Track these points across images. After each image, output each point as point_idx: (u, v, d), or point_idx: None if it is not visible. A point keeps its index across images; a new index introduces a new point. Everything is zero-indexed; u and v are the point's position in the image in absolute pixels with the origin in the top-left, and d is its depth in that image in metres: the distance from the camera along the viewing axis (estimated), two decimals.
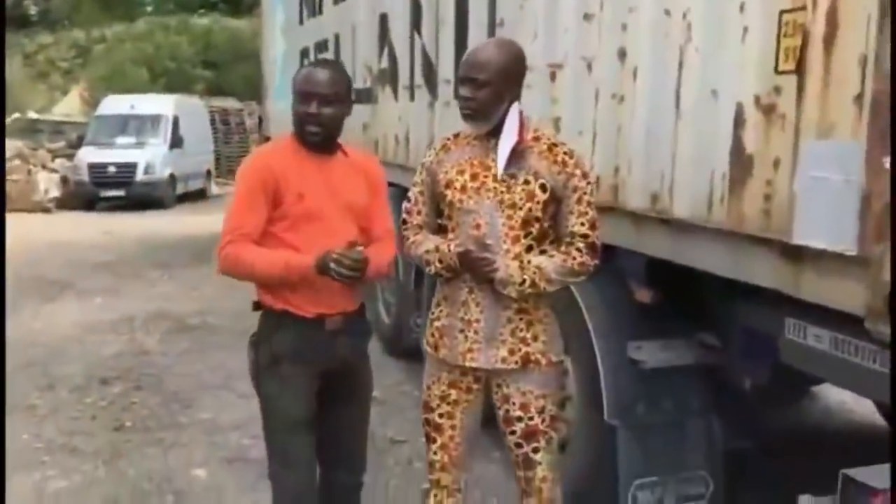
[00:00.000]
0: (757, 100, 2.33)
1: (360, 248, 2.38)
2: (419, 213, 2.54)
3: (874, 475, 1.97)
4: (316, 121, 2.44)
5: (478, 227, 2.37)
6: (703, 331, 3.04)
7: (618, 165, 3.04)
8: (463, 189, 2.40)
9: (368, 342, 2.72)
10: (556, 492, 2.55)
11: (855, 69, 2.00)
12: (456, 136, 2.53)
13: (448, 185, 2.42)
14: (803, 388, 4.54)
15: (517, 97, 2.41)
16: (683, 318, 3.06)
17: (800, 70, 2.17)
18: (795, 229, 2.18)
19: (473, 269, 2.35)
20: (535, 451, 2.46)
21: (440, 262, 2.40)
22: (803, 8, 2.15)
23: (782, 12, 2.22)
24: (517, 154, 2.37)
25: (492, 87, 2.33)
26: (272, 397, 2.55)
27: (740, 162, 2.41)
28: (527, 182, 2.35)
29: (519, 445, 2.47)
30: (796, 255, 2.20)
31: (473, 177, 2.40)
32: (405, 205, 2.58)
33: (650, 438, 3.02)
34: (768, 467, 3.49)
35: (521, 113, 2.42)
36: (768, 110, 2.30)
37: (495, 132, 2.39)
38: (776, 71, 2.26)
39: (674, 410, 3.05)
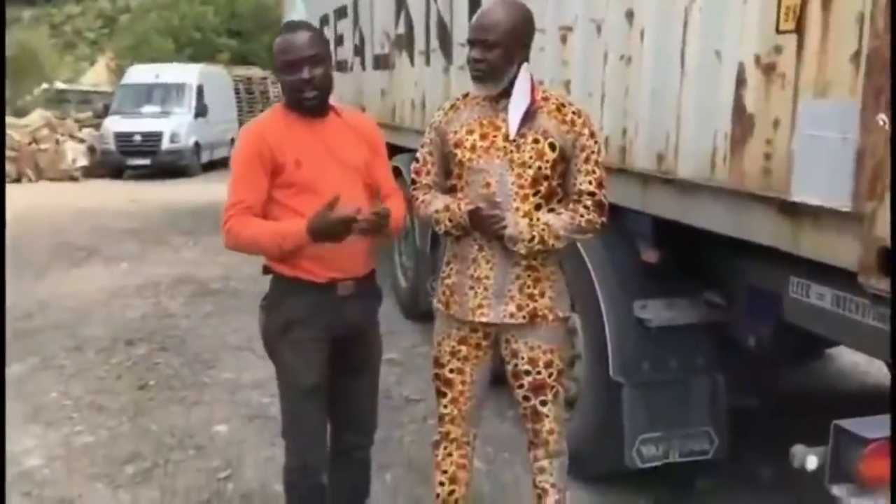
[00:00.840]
0: (758, 59, 2.36)
1: (380, 208, 2.42)
2: (428, 172, 2.57)
3: (865, 426, 2.02)
4: (311, 85, 2.43)
5: (488, 185, 2.41)
6: (708, 289, 3.08)
7: (625, 127, 3.07)
8: (473, 148, 2.43)
9: (379, 307, 2.75)
10: (562, 444, 2.62)
11: (853, 28, 2.02)
12: (465, 96, 2.56)
13: (458, 145, 2.46)
14: (818, 350, 4.56)
15: (526, 58, 2.43)
16: (689, 277, 3.11)
17: (799, 29, 2.19)
18: (793, 186, 2.22)
19: (483, 227, 2.39)
20: (543, 403, 2.52)
21: (450, 220, 2.44)
22: None
23: None
24: (527, 114, 2.41)
25: (502, 49, 2.35)
26: (284, 363, 2.59)
27: (741, 121, 2.44)
28: (536, 141, 2.39)
29: (527, 399, 2.54)
30: (794, 212, 2.24)
31: (483, 136, 2.43)
32: (413, 165, 2.61)
33: (655, 395, 3.08)
34: (775, 425, 3.55)
35: (531, 75, 2.46)
36: (768, 70, 2.32)
37: (504, 93, 2.42)
38: (777, 30, 2.28)
39: (679, 368, 3.10)
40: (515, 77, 2.40)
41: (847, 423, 2.05)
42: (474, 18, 2.46)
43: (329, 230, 2.36)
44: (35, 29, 27.95)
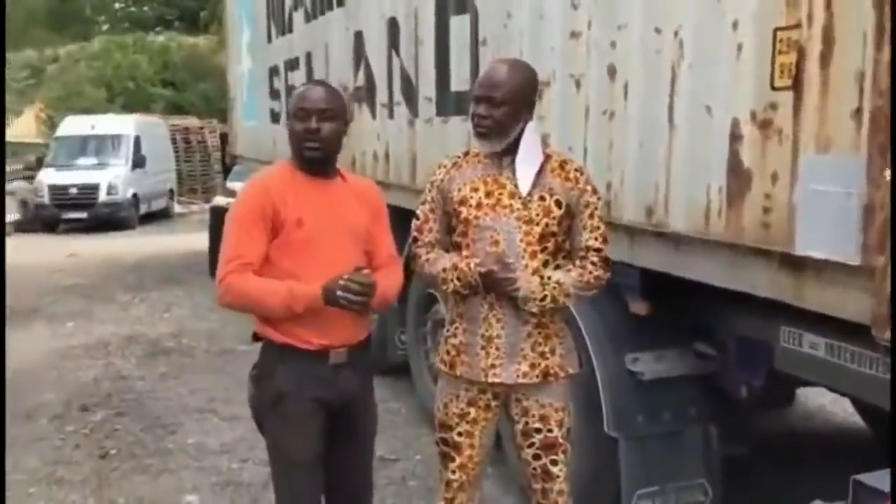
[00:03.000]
0: (753, 115, 2.39)
1: (367, 272, 2.37)
2: (430, 230, 2.53)
3: (885, 479, 2.01)
4: (316, 136, 2.39)
5: (496, 243, 2.39)
6: (698, 340, 3.09)
7: (610, 180, 3.08)
8: (479, 206, 2.41)
9: (373, 376, 2.67)
10: None
11: (852, 84, 2.06)
12: (466, 154, 2.56)
13: (462, 203, 2.44)
14: (790, 392, 4.62)
15: (531, 117, 2.44)
16: (679, 329, 3.11)
17: (796, 86, 2.23)
18: (797, 241, 2.24)
19: (496, 288, 2.36)
20: (554, 462, 2.48)
21: (459, 280, 2.40)
22: (798, 26, 2.21)
23: (777, 30, 2.28)
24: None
25: (508, 107, 2.36)
26: (276, 437, 2.50)
27: (738, 175, 2.46)
28: (542, 198, 2.39)
29: (537, 457, 2.48)
30: (797, 265, 2.26)
31: (488, 194, 2.42)
32: (414, 222, 2.57)
33: (650, 449, 3.06)
34: (763, 472, 3.56)
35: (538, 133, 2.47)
36: (765, 125, 2.35)
37: (508, 150, 2.41)
38: (772, 87, 2.32)
39: (672, 420, 3.09)
40: (519, 135, 2.39)
41: (865, 478, 2.05)
42: (480, 76, 2.47)
43: (356, 300, 2.32)
44: None
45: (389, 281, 2.53)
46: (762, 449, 3.66)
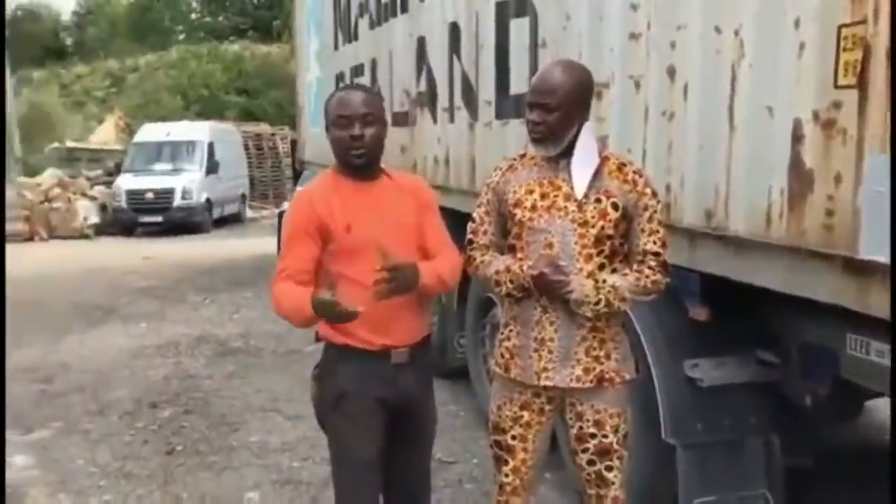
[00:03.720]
0: (815, 115, 2.32)
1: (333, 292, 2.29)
2: (485, 232, 2.53)
3: None
4: (361, 142, 2.41)
5: (550, 245, 2.37)
6: (760, 347, 3.01)
7: (669, 182, 3.03)
8: (533, 208, 2.40)
9: (433, 378, 2.68)
10: None
11: None
12: (522, 156, 2.55)
13: (517, 205, 2.42)
14: (859, 403, 4.46)
15: (586, 119, 2.42)
16: (740, 335, 3.03)
17: (861, 84, 2.16)
18: (861, 245, 2.16)
19: (548, 291, 2.35)
20: (609, 469, 2.44)
21: (512, 282, 2.39)
22: (864, 21, 2.14)
23: (841, 26, 2.21)
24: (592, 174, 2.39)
25: (562, 112, 2.33)
26: (337, 435, 2.53)
27: (799, 177, 2.39)
28: (598, 201, 2.36)
29: (592, 463, 2.45)
30: (861, 269, 2.18)
31: (543, 196, 2.40)
32: (470, 225, 2.58)
33: (709, 457, 2.99)
34: (830, 487, 3.44)
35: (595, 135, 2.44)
36: (828, 125, 2.28)
37: (564, 153, 2.40)
38: (835, 86, 2.24)
39: (732, 428, 3.01)
40: (575, 137, 2.37)
41: None
42: (533, 80, 2.45)
43: (328, 316, 2.33)
44: (45, 89, 28.39)
45: (444, 267, 2.52)
46: (830, 461, 3.55)
